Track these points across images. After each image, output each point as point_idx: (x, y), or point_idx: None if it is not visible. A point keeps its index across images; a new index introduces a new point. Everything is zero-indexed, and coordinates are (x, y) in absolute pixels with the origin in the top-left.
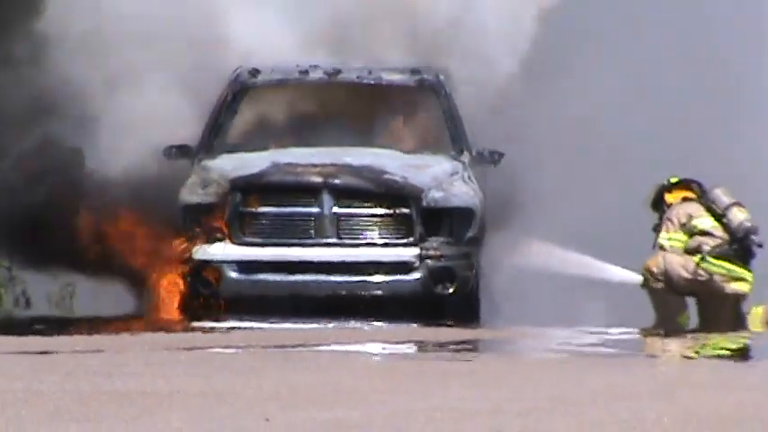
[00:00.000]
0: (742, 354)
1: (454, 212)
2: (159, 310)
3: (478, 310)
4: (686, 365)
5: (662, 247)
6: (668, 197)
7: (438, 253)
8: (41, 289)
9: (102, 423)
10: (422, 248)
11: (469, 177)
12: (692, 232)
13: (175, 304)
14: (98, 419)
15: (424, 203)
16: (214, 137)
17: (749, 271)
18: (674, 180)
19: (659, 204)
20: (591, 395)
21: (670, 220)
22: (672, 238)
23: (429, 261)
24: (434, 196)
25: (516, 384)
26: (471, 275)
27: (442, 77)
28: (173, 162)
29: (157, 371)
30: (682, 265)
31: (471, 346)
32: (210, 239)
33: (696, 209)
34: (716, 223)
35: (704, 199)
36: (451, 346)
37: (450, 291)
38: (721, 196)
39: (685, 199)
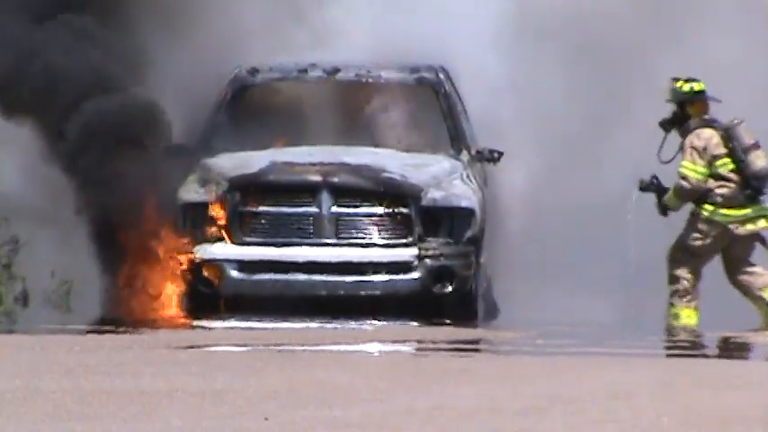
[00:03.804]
0: (742, 352)
1: (454, 212)
2: (159, 309)
3: (477, 309)
4: (686, 364)
5: (684, 177)
6: (690, 109)
7: (437, 252)
8: (40, 287)
9: (101, 422)
10: (421, 248)
11: (469, 176)
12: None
13: (175, 303)
14: (97, 418)
15: (424, 203)
16: (213, 136)
17: (761, 206)
18: (698, 88)
19: (683, 108)
20: (590, 394)
21: (696, 149)
22: (698, 170)
23: (428, 261)
24: (434, 196)
25: (515, 383)
26: (470, 275)
27: (441, 75)
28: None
29: (157, 370)
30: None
31: (470, 346)
32: (211, 239)
33: (717, 144)
34: (734, 166)
35: (727, 134)
36: (450, 346)
37: (449, 290)
38: (744, 136)
39: (704, 121)
